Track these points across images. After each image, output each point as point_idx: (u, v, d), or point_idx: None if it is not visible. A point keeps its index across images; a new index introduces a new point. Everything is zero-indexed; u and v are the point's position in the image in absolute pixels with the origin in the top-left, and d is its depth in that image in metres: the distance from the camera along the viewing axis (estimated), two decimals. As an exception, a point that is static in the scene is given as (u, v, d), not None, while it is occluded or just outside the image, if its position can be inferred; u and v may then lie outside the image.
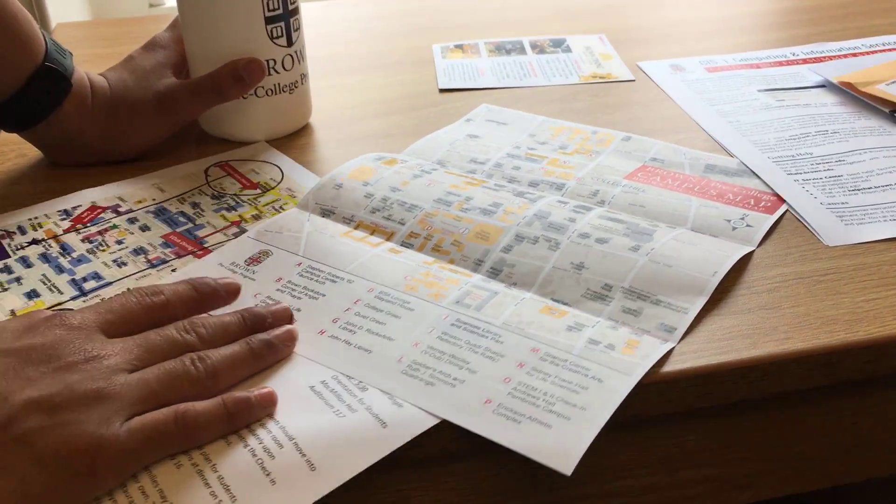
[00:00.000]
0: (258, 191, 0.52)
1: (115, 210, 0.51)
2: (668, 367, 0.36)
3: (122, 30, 0.85)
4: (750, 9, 0.82)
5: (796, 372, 0.38)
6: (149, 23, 0.88)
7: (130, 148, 0.55)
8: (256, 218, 0.49)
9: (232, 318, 0.38)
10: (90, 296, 0.43)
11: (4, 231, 0.49)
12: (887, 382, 0.40)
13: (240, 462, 0.32)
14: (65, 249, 0.47)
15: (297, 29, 0.56)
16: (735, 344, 0.38)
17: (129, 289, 0.43)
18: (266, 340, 0.37)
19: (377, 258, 0.44)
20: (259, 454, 0.33)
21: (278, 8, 0.54)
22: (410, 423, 0.34)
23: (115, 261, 0.46)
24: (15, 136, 0.55)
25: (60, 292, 0.43)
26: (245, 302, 0.41)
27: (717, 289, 0.41)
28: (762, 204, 0.48)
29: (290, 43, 0.56)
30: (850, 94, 0.61)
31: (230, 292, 0.40)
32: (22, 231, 0.49)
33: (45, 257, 0.47)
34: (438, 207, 0.47)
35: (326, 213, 0.49)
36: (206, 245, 0.47)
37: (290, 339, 0.38)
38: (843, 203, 0.48)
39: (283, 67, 0.56)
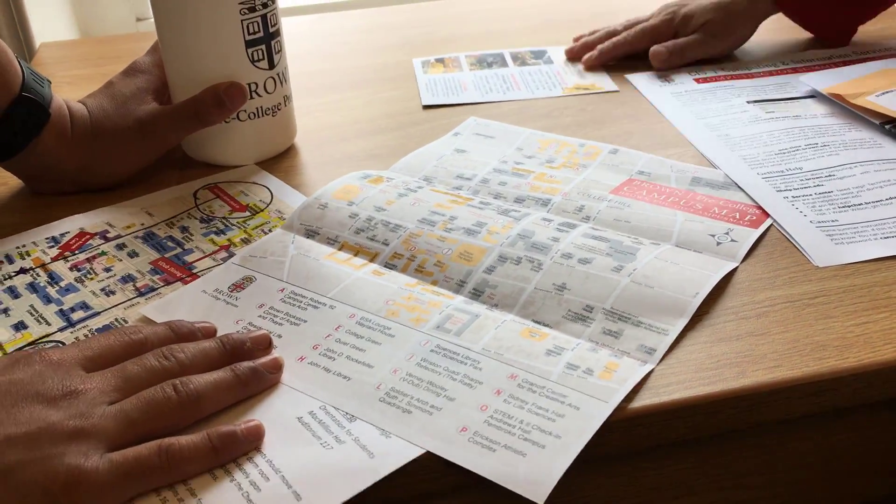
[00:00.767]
0: (247, 213, 0.52)
1: (104, 236, 0.51)
2: (657, 399, 0.36)
3: (107, 48, 0.85)
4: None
5: (786, 401, 0.37)
6: (134, 40, 0.88)
7: (111, 176, 0.55)
8: (246, 242, 0.49)
9: (211, 344, 0.38)
10: (78, 327, 0.43)
11: (-12, 260, 0.49)
12: (877, 407, 0.40)
13: (226, 496, 0.32)
14: (52, 278, 0.47)
15: (279, 51, 0.56)
16: (724, 373, 0.37)
17: (111, 325, 0.42)
18: (252, 367, 0.37)
19: (360, 281, 0.44)
20: (245, 487, 0.33)
21: (259, 31, 0.54)
22: (397, 453, 0.34)
23: (102, 289, 0.46)
24: (-4, 167, 0.55)
25: (48, 324, 0.43)
26: (227, 329, 0.41)
27: (705, 314, 0.41)
28: (747, 218, 0.48)
29: (271, 66, 0.55)
30: (841, 105, 0.60)
31: (207, 334, 0.39)
32: (9, 260, 0.49)
33: (32, 287, 0.46)
34: (423, 228, 0.47)
35: (311, 233, 0.48)
36: (194, 271, 0.47)
37: (276, 367, 0.38)
38: (833, 221, 0.48)
39: (266, 90, 0.56)
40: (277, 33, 0.55)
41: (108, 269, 0.48)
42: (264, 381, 0.37)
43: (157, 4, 0.53)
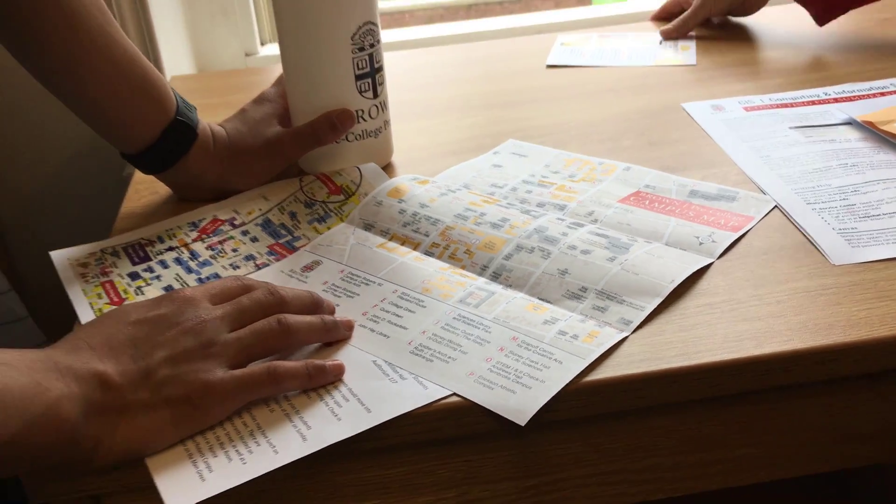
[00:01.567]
0: (342, 196, 0.64)
1: (232, 223, 0.63)
2: (684, 363, 0.45)
3: (225, 82, 0.99)
4: (787, 52, 0.90)
5: (796, 369, 0.46)
6: (245, 75, 1.02)
7: (243, 186, 0.67)
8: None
9: (303, 293, 0.50)
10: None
11: (147, 240, 0.62)
12: (875, 378, 0.48)
13: (316, 409, 0.44)
14: (193, 255, 0.60)
15: (382, 83, 0.67)
16: (744, 345, 0.46)
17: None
18: (335, 320, 0.49)
19: (404, 265, 0.55)
20: (330, 404, 0.44)
21: (366, 67, 0.65)
22: (440, 389, 0.45)
23: (230, 265, 0.58)
24: (149, 177, 0.68)
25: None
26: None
27: (731, 299, 0.50)
28: (730, 224, 0.57)
29: (375, 95, 0.67)
30: (873, 131, 0.68)
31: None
32: (160, 240, 0.62)
33: (178, 261, 0.59)
34: (457, 222, 0.58)
35: (368, 226, 0.60)
36: (299, 253, 0.59)
37: (350, 326, 0.50)
38: (853, 228, 0.56)
39: (370, 116, 0.67)
40: (381, 68, 0.67)
41: (234, 250, 0.60)
42: (340, 334, 0.49)
43: (284, 46, 0.66)
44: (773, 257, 0.54)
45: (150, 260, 0.59)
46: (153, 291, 0.55)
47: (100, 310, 0.54)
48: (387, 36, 1.16)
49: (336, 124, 0.65)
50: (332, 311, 0.51)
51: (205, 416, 0.43)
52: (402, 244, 0.58)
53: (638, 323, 0.48)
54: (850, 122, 0.71)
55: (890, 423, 0.50)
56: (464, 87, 0.89)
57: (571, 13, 1.18)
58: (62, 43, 0.59)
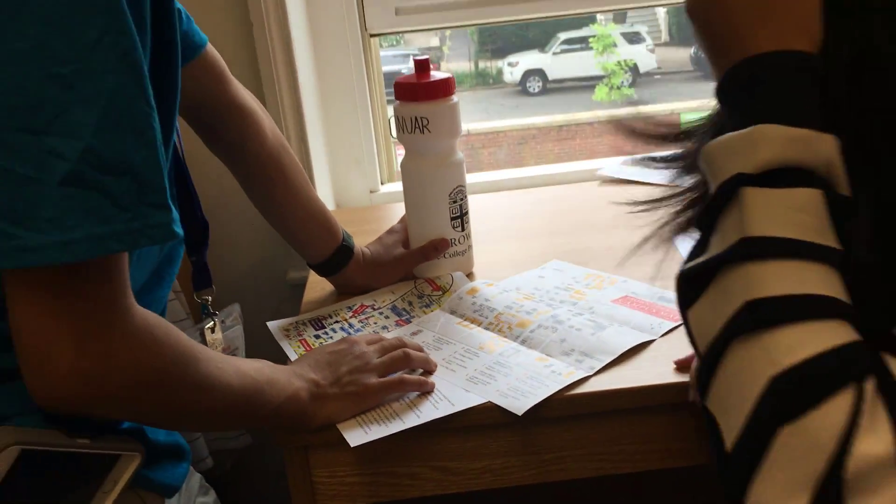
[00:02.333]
0: (440, 292, 1.03)
1: (372, 307, 1.04)
2: (615, 386, 0.82)
3: (358, 216, 1.42)
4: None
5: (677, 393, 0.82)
6: (371, 211, 1.47)
7: (380, 285, 1.08)
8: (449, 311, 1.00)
9: (412, 342, 0.90)
10: (367, 353, 0.95)
11: (322, 316, 1.03)
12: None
13: (424, 403, 0.83)
14: (350, 325, 1.00)
15: (467, 222, 1.09)
16: (649, 376, 0.83)
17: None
18: (429, 359, 0.88)
19: (470, 335, 0.94)
20: (432, 401, 0.83)
21: (457, 213, 1.07)
22: (481, 398, 0.82)
23: (372, 331, 0.98)
24: (321, 277, 1.09)
25: (352, 352, 0.95)
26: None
27: (656, 358, 0.86)
28: (672, 316, 0.93)
29: (462, 230, 1.08)
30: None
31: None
32: (330, 317, 1.03)
33: (341, 328, 0.99)
34: (506, 310, 0.97)
35: (453, 311, 1.00)
36: (418, 331, 0.99)
37: (435, 364, 0.89)
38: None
39: (459, 242, 1.08)
40: (466, 213, 1.08)
41: (375, 323, 1.00)
42: (431, 367, 0.88)
43: (408, 199, 1.08)
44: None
45: (324, 328, 1.00)
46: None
47: (301, 353, 0.94)
48: (476, 178, 1.59)
49: (437, 248, 1.06)
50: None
51: (367, 403, 0.82)
52: (472, 322, 0.97)
53: (598, 368, 0.85)
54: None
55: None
56: (527, 220, 1.29)
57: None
58: (276, 188, 1.02)
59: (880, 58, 0.49)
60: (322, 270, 1.08)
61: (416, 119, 1.02)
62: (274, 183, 1.01)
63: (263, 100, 1.33)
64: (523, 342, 0.92)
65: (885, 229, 0.50)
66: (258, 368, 0.76)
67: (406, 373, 0.86)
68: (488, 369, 0.87)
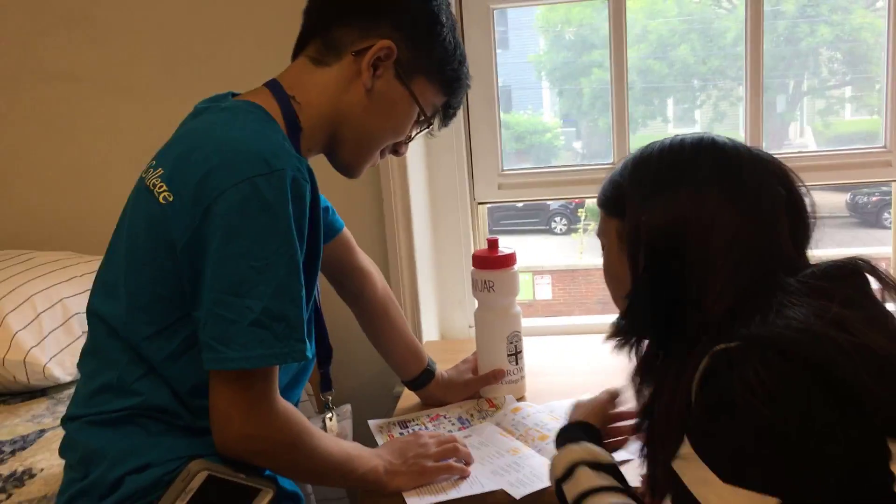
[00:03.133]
0: (495, 409, 1.42)
1: (444, 416, 1.43)
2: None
3: (458, 346, 1.84)
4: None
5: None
6: (470, 342, 1.87)
7: (452, 401, 1.48)
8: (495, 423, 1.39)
9: (462, 440, 1.28)
10: (433, 448, 1.35)
11: (407, 420, 1.44)
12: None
13: (464, 485, 1.21)
14: (425, 427, 1.40)
15: (521, 359, 1.48)
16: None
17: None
18: (468, 454, 1.26)
19: (504, 441, 1.32)
20: (469, 482, 1.20)
21: (513, 352, 1.47)
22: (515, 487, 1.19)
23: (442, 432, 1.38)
24: (410, 392, 1.51)
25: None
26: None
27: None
28: None
29: (517, 363, 1.48)
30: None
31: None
32: (412, 420, 1.44)
33: (420, 429, 1.39)
34: (534, 426, 1.33)
35: (497, 423, 1.38)
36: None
37: (472, 460, 1.26)
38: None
39: (513, 374, 1.48)
40: (521, 351, 1.48)
41: (444, 427, 1.39)
42: (471, 460, 1.26)
43: (479, 340, 1.49)
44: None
45: (407, 427, 1.41)
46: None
47: (386, 440, 1.35)
48: (532, 321, 1.98)
49: (496, 376, 1.46)
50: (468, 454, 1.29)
51: (424, 479, 1.21)
52: (508, 433, 1.35)
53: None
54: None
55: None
56: (576, 366, 1.67)
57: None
58: (381, 327, 1.46)
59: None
60: (411, 386, 1.50)
61: (485, 282, 1.45)
62: (380, 323, 1.46)
63: (385, 254, 1.80)
64: (539, 451, 1.28)
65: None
66: (352, 446, 1.17)
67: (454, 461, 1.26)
68: (509, 466, 1.24)
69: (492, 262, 1.45)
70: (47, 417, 1.39)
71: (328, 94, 1.12)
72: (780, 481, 0.75)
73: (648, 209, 0.93)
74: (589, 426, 1.09)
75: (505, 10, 2.11)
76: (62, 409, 1.41)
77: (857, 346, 0.76)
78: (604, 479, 0.97)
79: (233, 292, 0.97)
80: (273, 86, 1.13)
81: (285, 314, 0.98)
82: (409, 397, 1.54)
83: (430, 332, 1.95)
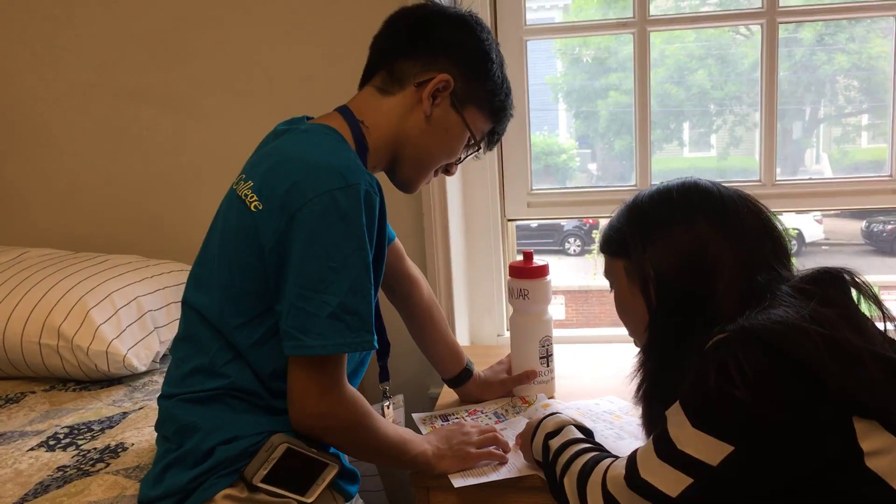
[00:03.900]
0: (527, 405, 1.59)
1: (481, 411, 1.61)
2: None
3: (488, 352, 2.01)
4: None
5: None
6: (495, 349, 2.04)
7: (488, 398, 1.65)
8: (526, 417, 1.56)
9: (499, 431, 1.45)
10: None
11: (447, 413, 1.61)
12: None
13: (503, 468, 1.37)
14: (465, 419, 1.57)
15: (552, 361, 1.65)
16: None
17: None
18: (507, 443, 1.43)
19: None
20: (507, 466, 1.37)
21: (545, 354, 1.64)
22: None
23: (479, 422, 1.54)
24: (449, 389, 1.68)
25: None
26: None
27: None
28: None
29: (548, 366, 1.65)
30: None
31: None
32: (452, 415, 1.61)
33: (458, 420, 1.56)
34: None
35: (529, 418, 1.52)
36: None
37: (509, 448, 1.43)
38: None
39: (544, 374, 1.65)
40: (551, 355, 1.65)
41: (481, 421, 1.56)
42: (508, 448, 1.42)
43: (514, 343, 1.66)
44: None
45: (448, 420, 1.58)
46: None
47: (429, 430, 1.51)
48: (570, 332, 2.15)
49: (529, 376, 1.63)
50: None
51: (467, 463, 1.38)
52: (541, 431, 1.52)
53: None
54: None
55: None
56: (599, 371, 1.84)
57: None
58: (425, 329, 1.64)
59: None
60: (450, 384, 1.67)
61: (520, 290, 1.62)
62: (424, 325, 1.63)
63: (425, 264, 1.98)
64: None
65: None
66: (406, 431, 1.35)
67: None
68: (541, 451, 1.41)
69: (527, 272, 1.62)
70: (126, 402, 1.56)
71: (392, 120, 1.31)
72: (736, 434, 0.95)
73: (650, 249, 1.14)
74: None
75: (536, 41, 2.29)
76: (139, 396, 1.59)
77: (825, 336, 0.95)
78: (583, 436, 1.24)
79: (313, 288, 1.14)
80: (344, 111, 1.31)
81: (357, 309, 1.16)
82: (447, 394, 1.71)
83: (461, 338, 2.12)
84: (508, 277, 1.65)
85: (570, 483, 1.14)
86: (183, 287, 1.81)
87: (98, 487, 1.23)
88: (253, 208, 1.19)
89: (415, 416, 1.61)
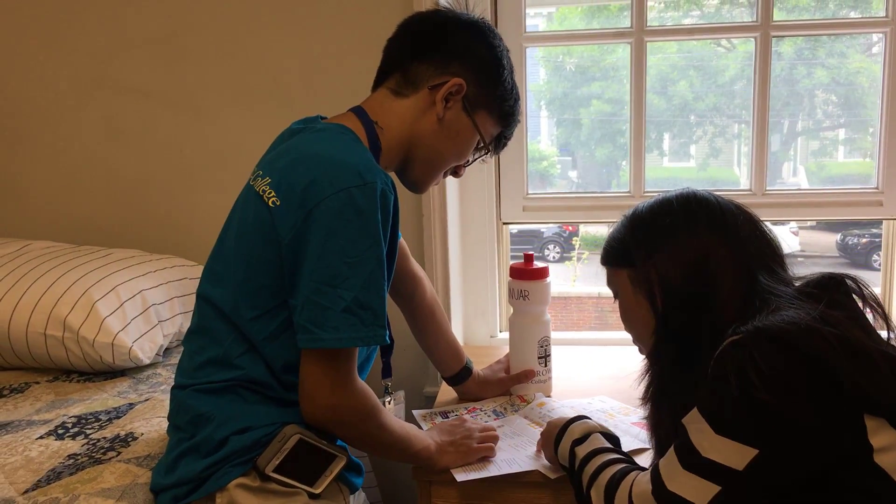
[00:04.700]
0: (525, 403, 1.63)
1: (480, 409, 1.64)
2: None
3: (482, 352, 2.05)
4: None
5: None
6: (489, 349, 2.08)
7: (487, 396, 1.69)
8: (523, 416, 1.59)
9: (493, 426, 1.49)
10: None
11: (446, 410, 1.64)
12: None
13: (492, 465, 1.41)
14: (465, 418, 1.60)
15: (549, 361, 1.69)
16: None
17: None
18: (495, 436, 1.47)
19: (532, 432, 1.52)
20: (508, 463, 1.41)
21: (543, 354, 1.68)
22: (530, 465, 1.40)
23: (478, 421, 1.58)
24: (449, 387, 1.71)
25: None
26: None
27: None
28: None
29: (546, 365, 1.68)
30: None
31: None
32: (452, 412, 1.64)
33: (457, 418, 1.60)
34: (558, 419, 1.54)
35: (526, 416, 1.59)
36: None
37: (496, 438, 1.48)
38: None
39: (542, 374, 1.69)
40: (549, 355, 1.69)
41: (478, 417, 1.60)
42: (496, 440, 1.47)
43: (512, 345, 1.70)
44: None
45: (447, 417, 1.61)
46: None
47: (429, 426, 1.55)
48: (557, 335, 2.20)
49: (527, 376, 1.67)
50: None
51: (469, 458, 1.42)
52: (536, 424, 1.56)
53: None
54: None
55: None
56: (590, 372, 1.88)
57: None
58: (427, 327, 1.67)
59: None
60: (450, 382, 1.70)
61: (521, 291, 1.66)
62: (427, 324, 1.66)
63: (423, 265, 2.01)
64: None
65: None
66: (410, 426, 1.38)
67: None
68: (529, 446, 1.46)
69: (528, 273, 1.66)
70: (132, 394, 1.58)
71: (406, 121, 1.34)
72: (760, 437, 0.98)
73: (655, 257, 1.18)
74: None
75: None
76: (144, 388, 1.61)
77: (838, 336, 0.99)
78: (610, 444, 1.24)
79: (328, 283, 1.17)
80: (359, 112, 1.34)
81: (371, 304, 1.19)
82: (446, 392, 1.75)
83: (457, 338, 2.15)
84: (509, 278, 1.69)
85: (597, 496, 1.15)
86: (185, 282, 1.87)
87: (111, 475, 1.25)
88: (271, 204, 1.22)
89: (415, 412, 1.64)
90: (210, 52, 2.09)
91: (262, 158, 1.36)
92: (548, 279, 1.67)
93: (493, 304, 2.21)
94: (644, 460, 1.34)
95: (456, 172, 1.45)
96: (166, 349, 1.80)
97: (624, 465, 1.16)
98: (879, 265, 2.19)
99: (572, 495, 1.25)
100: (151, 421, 1.44)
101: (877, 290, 2.16)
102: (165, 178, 2.15)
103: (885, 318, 1.09)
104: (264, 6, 2.04)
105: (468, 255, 2.20)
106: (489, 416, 1.62)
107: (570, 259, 9.32)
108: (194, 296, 1.38)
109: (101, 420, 1.45)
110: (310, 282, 1.18)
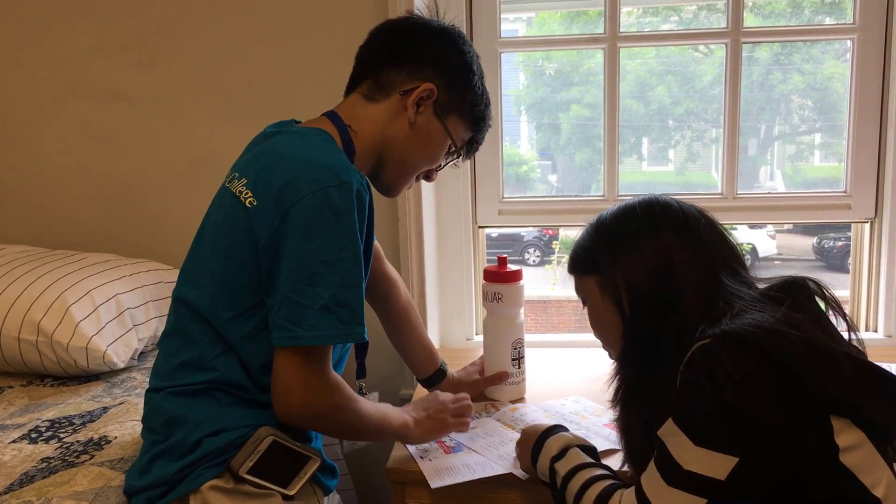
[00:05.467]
0: (509, 406, 1.65)
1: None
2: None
3: (458, 354, 2.06)
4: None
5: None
6: (464, 352, 2.10)
7: (462, 398, 1.71)
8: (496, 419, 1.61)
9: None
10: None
11: (422, 417, 1.65)
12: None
13: (478, 468, 1.42)
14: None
15: (523, 364, 1.71)
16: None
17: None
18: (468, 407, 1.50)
19: (505, 433, 1.54)
20: (482, 467, 1.42)
21: (516, 356, 1.70)
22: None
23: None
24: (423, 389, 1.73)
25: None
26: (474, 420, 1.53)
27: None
28: None
29: (519, 367, 1.71)
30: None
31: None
32: None
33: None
34: (531, 422, 1.54)
35: (499, 419, 1.60)
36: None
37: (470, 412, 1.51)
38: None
39: (515, 376, 1.71)
40: (523, 357, 1.71)
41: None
42: (470, 410, 1.51)
43: (486, 348, 1.72)
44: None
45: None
46: (424, 428, 1.59)
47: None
48: (536, 338, 2.22)
49: (501, 377, 1.69)
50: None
51: (444, 432, 1.46)
52: (508, 427, 1.57)
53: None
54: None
55: None
56: (565, 374, 1.90)
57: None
58: (402, 329, 1.69)
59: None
60: (424, 384, 1.72)
61: (495, 293, 1.68)
62: (401, 326, 1.68)
63: (399, 268, 2.02)
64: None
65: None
66: (385, 406, 1.39)
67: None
68: (511, 453, 1.46)
69: (501, 276, 1.68)
70: (106, 397, 1.58)
71: (378, 125, 1.36)
72: (736, 443, 1.00)
73: (620, 262, 1.20)
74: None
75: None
76: (118, 392, 1.62)
77: (802, 338, 1.02)
78: (590, 459, 1.24)
79: (305, 282, 1.18)
80: (332, 116, 1.36)
81: (348, 302, 1.20)
82: (422, 394, 1.76)
83: (431, 340, 2.16)
84: (483, 281, 1.71)
85: None
86: (161, 286, 1.87)
87: (84, 478, 1.25)
88: (248, 204, 1.23)
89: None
90: (188, 57, 2.09)
91: (238, 161, 1.37)
92: (521, 282, 1.69)
93: (469, 306, 2.23)
94: (614, 462, 1.37)
95: (428, 177, 1.47)
96: (141, 353, 1.80)
97: (608, 482, 1.17)
98: (855, 268, 2.23)
99: (545, 495, 1.27)
100: (125, 424, 1.44)
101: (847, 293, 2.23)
102: (143, 181, 2.15)
103: (847, 320, 1.12)
104: (241, 14, 2.06)
105: (444, 258, 2.21)
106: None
107: (550, 263, 9.36)
108: (170, 300, 1.38)
109: (74, 424, 1.45)
110: (287, 280, 1.19)
